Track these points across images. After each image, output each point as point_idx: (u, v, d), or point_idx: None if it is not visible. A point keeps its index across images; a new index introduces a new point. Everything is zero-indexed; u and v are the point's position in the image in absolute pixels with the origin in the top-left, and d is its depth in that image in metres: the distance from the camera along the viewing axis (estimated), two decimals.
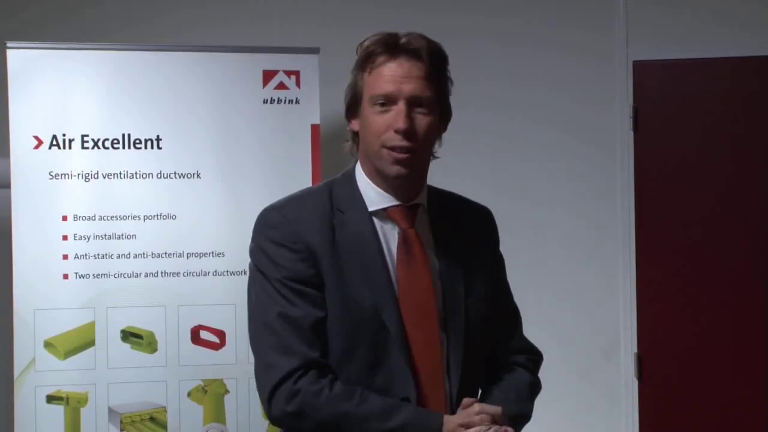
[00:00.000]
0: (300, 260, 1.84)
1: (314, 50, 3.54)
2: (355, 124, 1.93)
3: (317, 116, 3.52)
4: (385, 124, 1.85)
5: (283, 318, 1.82)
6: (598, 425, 4.03)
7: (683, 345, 3.99)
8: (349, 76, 1.94)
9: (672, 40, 4.02)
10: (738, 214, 3.98)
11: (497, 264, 2.12)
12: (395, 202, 1.92)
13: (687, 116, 4.02)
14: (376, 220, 1.91)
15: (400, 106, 1.84)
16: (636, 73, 4.01)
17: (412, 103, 1.85)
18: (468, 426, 1.78)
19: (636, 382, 4.00)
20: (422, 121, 1.86)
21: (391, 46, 1.86)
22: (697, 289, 3.98)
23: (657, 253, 4.01)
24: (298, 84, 3.52)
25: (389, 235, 1.91)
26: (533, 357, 2.13)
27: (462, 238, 2.00)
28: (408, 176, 1.88)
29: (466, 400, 1.84)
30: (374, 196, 1.92)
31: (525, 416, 1.99)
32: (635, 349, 4.00)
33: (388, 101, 1.85)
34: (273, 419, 1.86)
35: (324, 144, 3.56)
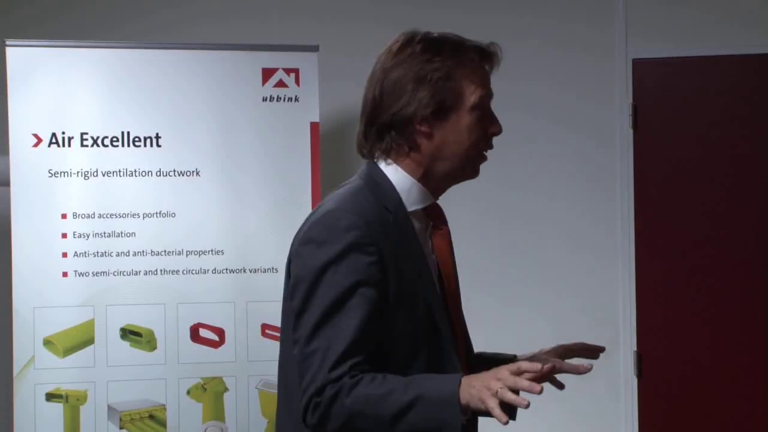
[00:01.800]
0: (373, 264, 1.74)
1: (314, 48, 3.54)
2: (427, 127, 1.81)
3: (317, 114, 3.52)
4: (484, 130, 1.85)
5: (354, 328, 1.71)
6: (597, 423, 4.03)
7: (683, 343, 3.99)
8: (415, 63, 1.80)
9: (671, 38, 4.02)
10: (738, 211, 3.98)
11: None
12: (433, 200, 1.91)
13: (686, 114, 4.02)
14: (413, 220, 1.88)
15: (492, 110, 1.87)
16: (635, 70, 4.01)
17: None
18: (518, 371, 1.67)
19: (635, 380, 4.00)
20: None
21: (492, 57, 1.86)
22: (697, 287, 3.98)
23: (657, 251, 4.01)
24: (297, 82, 3.52)
25: (422, 234, 1.89)
26: None
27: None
28: None
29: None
30: (419, 195, 1.87)
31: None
32: (635, 347, 4.00)
33: (486, 108, 1.86)
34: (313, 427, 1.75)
35: (323, 142, 3.56)
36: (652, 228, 4.01)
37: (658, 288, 3.99)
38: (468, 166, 1.87)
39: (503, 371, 1.66)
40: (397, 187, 1.85)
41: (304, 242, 1.80)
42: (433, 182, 1.88)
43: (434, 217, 1.90)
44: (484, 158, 1.88)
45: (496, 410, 1.60)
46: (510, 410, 1.67)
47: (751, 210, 3.97)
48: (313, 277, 1.75)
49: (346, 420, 1.70)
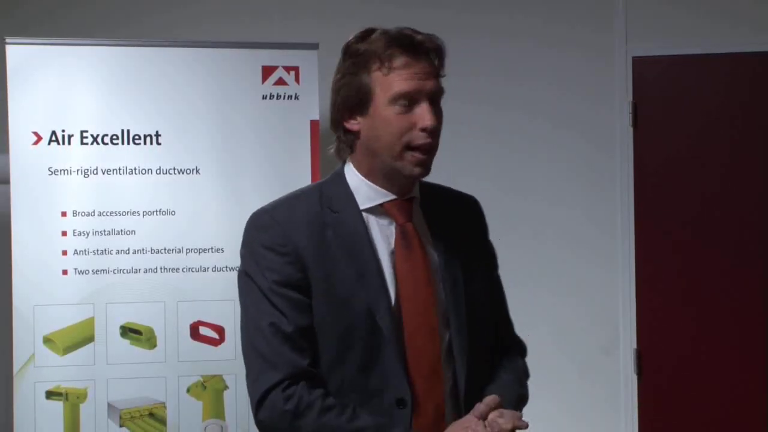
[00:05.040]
0: (288, 263, 1.81)
1: (313, 46, 3.54)
2: (354, 124, 1.89)
3: (316, 112, 3.52)
4: (409, 123, 1.83)
5: (274, 327, 1.80)
6: (597, 421, 4.04)
7: (682, 341, 3.99)
8: (336, 74, 1.94)
9: (671, 37, 4.02)
10: (737, 209, 3.98)
11: (489, 254, 2.12)
12: (391, 197, 1.91)
13: (686, 112, 4.02)
14: (371, 218, 1.89)
15: (425, 105, 1.84)
16: (635, 69, 4.02)
17: (431, 100, 1.85)
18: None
19: (635, 378, 4.00)
20: (439, 118, 1.88)
21: (410, 46, 1.84)
22: (696, 285, 3.99)
23: (656, 249, 4.01)
24: (297, 80, 3.52)
25: (385, 232, 1.90)
26: (521, 344, 2.18)
27: (455, 228, 2.00)
28: (424, 177, 1.90)
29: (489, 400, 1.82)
30: (369, 193, 1.90)
31: (526, 398, 2.03)
32: (634, 345, 4.01)
33: (411, 100, 1.83)
34: (260, 424, 1.88)
35: (323, 140, 3.55)
36: (651, 225, 4.01)
37: (658, 286, 4.00)
38: (399, 160, 1.86)
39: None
40: (351, 186, 1.91)
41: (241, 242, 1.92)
42: (380, 179, 1.90)
43: (395, 214, 1.91)
44: (418, 152, 1.85)
45: None
46: None
47: (751, 208, 3.97)
48: (241, 278, 1.89)
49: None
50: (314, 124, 3.52)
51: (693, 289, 3.99)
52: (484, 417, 1.78)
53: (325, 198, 1.90)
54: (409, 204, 1.94)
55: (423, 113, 1.83)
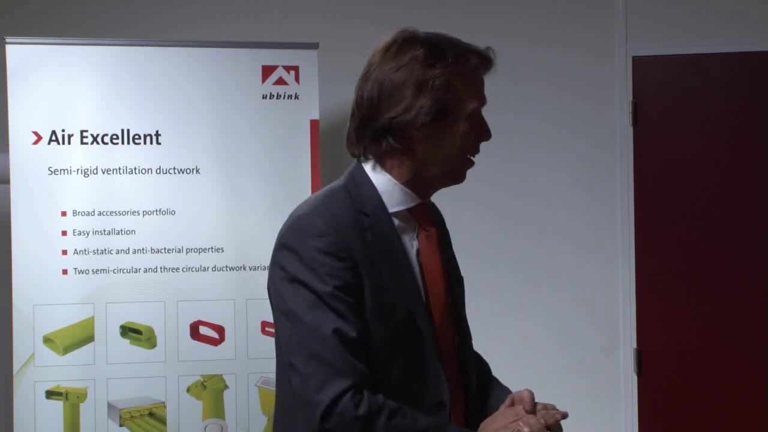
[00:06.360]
0: (347, 269, 1.75)
1: (313, 45, 3.54)
2: (422, 129, 1.80)
3: (316, 112, 3.52)
4: (474, 136, 1.86)
5: (339, 333, 1.72)
6: (597, 420, 4.03)
7: (683, 340, 3.99)
8: (413, 65, 1.79)
9: (671, 36, 4.02)
10: (737, 208, 3.98)
11: (454, 256, 2.12)
12: (418, 201, 1.89)
13: (686, 111, 4.02)
14: (396, 221, 1.86)
15: (483, 118, 1.87)
16: (635, 68, 4.01)
17: None
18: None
19: (635, 377, 4.00)
20: None
21: (487, 61, 1.85)
22: (697, 284, 3.99)
23: (656, 248, 4.01)
24: (297, 79, 3.52)
25: (410, 234, 1.88)
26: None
27: (439, 231, 1.99)
28: None
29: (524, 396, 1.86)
30: (401, 197, 1.86)
31: None
32: (634, 344, 4.01)
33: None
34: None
35: (323, 139, 3.56)
36: (651, 225, 4.01)
37: (658, 285, 4.00)
38: (457, 172, 1.88)
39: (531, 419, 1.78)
40: (379, 189, 1.85)
41: (277, 248, 1.82)
42: (421, 185, 1.88)
43: (420, 218, 1.90)
44: (471, 164, 1.90)
45: None
46: None
47: (750, 206, 3.97)
48: (288, 284, 1.76)
49: None
50: (314, 123, 3.52)
51: (693, 289, 3.99)
52: (532, 411, 1.81)
53: (357, 201, 1.84)
54: (427, 208, 1.94)
55: (486, 129, 1.87)
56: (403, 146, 1.82)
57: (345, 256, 1.75)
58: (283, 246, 1.80)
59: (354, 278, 1.75)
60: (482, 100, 1.85)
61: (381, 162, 1.86)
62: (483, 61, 1.84)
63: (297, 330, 1.75)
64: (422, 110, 1.78)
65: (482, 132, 1.86)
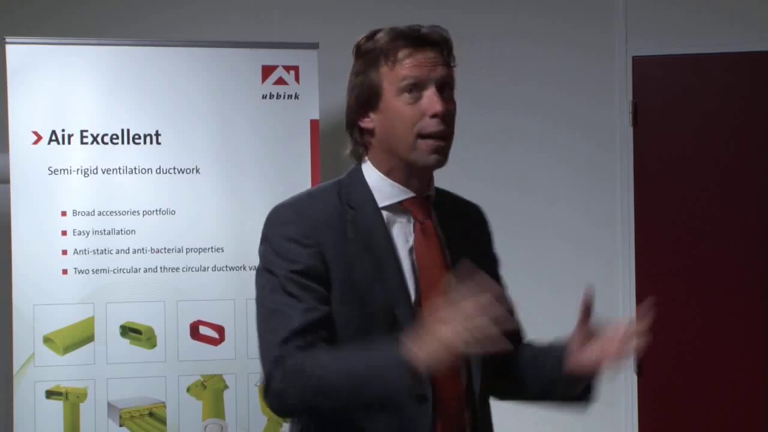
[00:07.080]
0: (310, 255, 1.80)
1: (313, 45, 3.54)
2: (368, 122, 1.89)
3: (316, 111, 3.52)
4: (419, 112, 1.83)
5: (290, 315, 1.77)
6: (597, 420, 4.02)
7: (683, 340, 3.99)
8: (350, 76, 1.91)
9: (671, 36, 4.02)
10: (737, 208, 3.98)
11: (494, 261, 2.12)
12: (410, 194, 1.90)
13: (686, 111, 4.02)
14: (389, 215, 1.89)
15: (431, 90, 1.83)
16: (635, 68, 4.01)
17: (440, 87, 1.84)
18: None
19: (635, 378, 4.00)
20: (450, 105, 1.87)
21: (413, 38, 1.85)
22: (697, 284, 3.99)
23: (656, 248, 4.01)
24: (297, 79, 3.52)
25: (404, 229, 1.90)
26: None
27: (464, 233, 2.00)
28: (442, 165, 1.88)
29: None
30: (388, 190, 1.90)
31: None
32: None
33: (417, 87, 1.83)
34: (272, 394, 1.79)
35: (323, 139, 3.56)
36: (652, 225, 4.01)
37: (658, 285, 3.99)
38: (414, 151, 1.85)
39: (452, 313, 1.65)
40: (371, 185, 1.90)
41: (260, 241, 1.90)
42: (400, 176, 1.90)
43: (414, 211, 1.91)
44: (431, 139, 1.84)
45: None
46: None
47: (750, 206, 3.97)
48: (262, 274, 1.85)
49: (304, 383, 1.72)
50: (314, 123, 3.52)
51: (693, 289, 3.99)
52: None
53: (344, 195, 1.89)
54: (427, 201, 1.94)
55: (431, 99, 1.82)
56: (363, 141, 1.92)
57: (310, 243, 1.81)
58: (261, 239, 1.89)
59: (319, 265, 1.80)
60: (412, 73, 1.83)
61: (369, 158, 1.93)
62: (408, 40, 1.85)
63: (259, 312, 1.83)
64: (351, 106, 1.91)
65: (426, 104, 1.83)
